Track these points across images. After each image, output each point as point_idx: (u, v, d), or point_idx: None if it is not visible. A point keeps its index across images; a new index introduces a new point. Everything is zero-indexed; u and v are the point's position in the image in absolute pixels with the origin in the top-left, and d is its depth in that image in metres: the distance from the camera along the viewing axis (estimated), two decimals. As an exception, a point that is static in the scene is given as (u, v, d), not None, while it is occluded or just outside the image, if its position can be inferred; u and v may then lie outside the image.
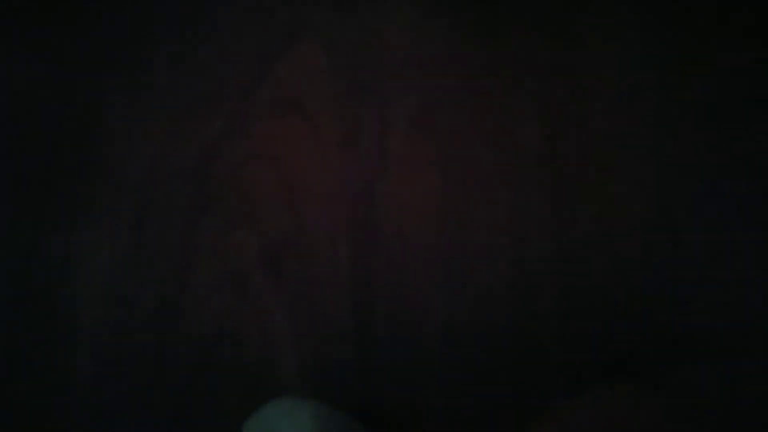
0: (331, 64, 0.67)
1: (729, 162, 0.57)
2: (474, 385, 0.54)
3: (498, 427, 0.53)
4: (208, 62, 0.69)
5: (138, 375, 0.57)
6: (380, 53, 0.66)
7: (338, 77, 0.66)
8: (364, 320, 0.56)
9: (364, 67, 0.66)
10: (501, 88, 0.59)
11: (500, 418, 0.53)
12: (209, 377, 0.56)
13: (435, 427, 0.53)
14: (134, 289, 0.59)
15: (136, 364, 0.57)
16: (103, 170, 0.64)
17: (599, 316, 0.54)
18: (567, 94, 0.58)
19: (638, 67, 0.59)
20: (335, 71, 0.66)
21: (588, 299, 0.55)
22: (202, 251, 0.59)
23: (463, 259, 0.57)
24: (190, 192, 0.61)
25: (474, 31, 0.65)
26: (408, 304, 0.57)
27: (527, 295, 0.55)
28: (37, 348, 0.58)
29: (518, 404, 0.53)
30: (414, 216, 0.58)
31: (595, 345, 0.53)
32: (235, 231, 0.59)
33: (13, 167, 0.64)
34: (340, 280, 0.57)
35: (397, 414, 0.54)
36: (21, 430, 0.56)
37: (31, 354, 0.58)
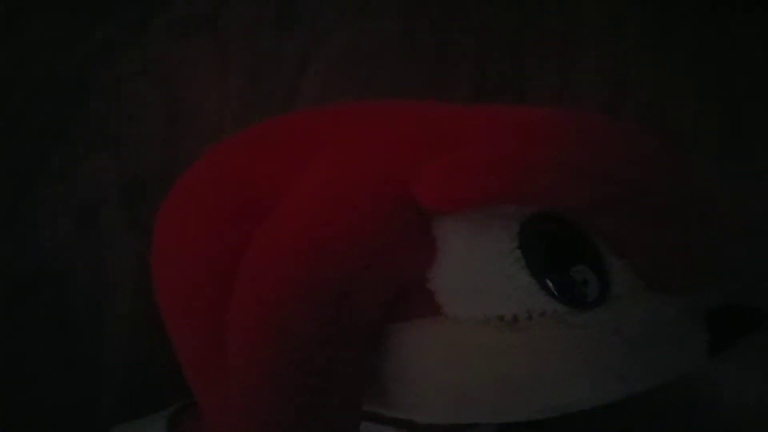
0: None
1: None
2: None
3: None
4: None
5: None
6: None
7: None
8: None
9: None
10: (437, 43, 0.50)
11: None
12: (22, 318, 0.46)
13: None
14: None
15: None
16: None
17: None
18: (503, 52, 0.49)
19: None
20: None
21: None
22: (49, 170, 0.49)
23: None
24: (54, 102, 0.51)
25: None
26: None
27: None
28: None
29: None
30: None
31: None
32: (96, 153, 0.49)
33: None
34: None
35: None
36: None
37: None
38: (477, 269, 0.25)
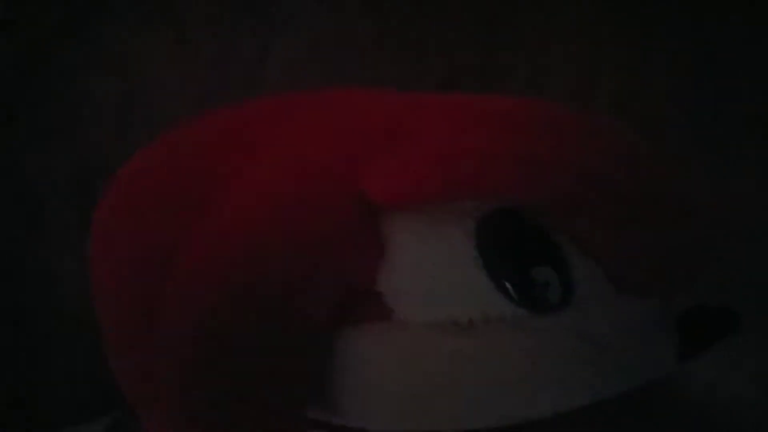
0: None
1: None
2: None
3: None
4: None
5: None
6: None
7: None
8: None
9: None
10: (406, 32, 0.48)
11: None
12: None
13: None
14: None
15: None
16: None
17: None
18: (474, 41, 0.47)
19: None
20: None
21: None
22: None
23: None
24: (1, 91, 0.48)
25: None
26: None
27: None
28: None
29: None
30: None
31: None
32: (45, 146, 0.47)
33: None
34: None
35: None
36: None
37: None
38: (429, 270, 0.23)
